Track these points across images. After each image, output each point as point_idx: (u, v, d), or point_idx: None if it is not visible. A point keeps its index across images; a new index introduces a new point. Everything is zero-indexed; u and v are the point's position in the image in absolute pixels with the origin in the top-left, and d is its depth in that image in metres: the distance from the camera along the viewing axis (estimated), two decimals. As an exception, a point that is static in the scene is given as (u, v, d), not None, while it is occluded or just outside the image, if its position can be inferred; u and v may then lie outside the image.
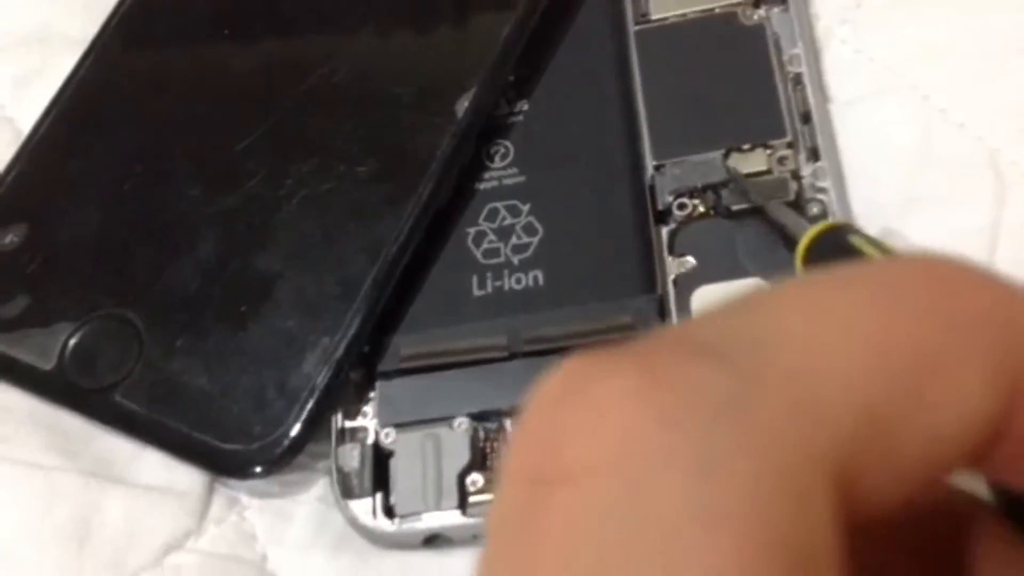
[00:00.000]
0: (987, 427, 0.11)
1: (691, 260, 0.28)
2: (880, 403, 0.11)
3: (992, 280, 0.12)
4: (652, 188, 0.28)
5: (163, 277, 0.29)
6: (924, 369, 0.11)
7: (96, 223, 0.30)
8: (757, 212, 0.27)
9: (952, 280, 0.12)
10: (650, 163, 0.29)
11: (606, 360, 0.11)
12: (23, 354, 0.29)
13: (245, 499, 0.28)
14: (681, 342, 0.12)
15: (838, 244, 0.25)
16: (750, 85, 0.29)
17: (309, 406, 0.27)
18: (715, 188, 0.28)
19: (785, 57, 0.29)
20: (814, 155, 0.28)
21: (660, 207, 0.28)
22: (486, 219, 0.29)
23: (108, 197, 0.31)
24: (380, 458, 0.27)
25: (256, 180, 0.30)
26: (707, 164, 0.28)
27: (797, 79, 0.29)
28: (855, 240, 0.24)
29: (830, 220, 0.26)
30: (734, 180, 0.28)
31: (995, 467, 0.12)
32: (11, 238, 0.31)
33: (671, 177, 0.28)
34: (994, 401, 0.11)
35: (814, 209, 0.27)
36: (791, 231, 0.26)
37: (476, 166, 0.30)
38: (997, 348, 0.11)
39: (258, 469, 0.27)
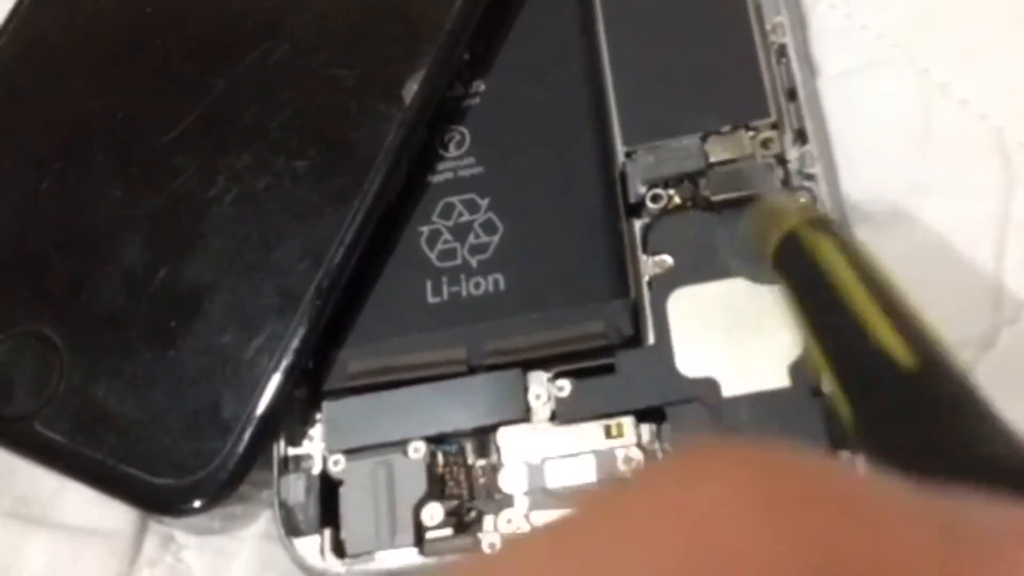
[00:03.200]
0: None
1: (668, 259, 0.25)
2: None
3: (799, 513, 0.10)
4: (623, 178, 0.26)
5: (85, 289, 0.26)
6: None
7: (10, 229, 0.27)
8: (741, 203, 0.24)
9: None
10: (620, 149, 0.26)
11: None
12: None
13: (181, 538, 0.25)
14: None
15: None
16: (729, 59, 0.26)
17: (248, 433, 0.24)
18: (693, 177, 0.25)
19: (768, 26, 0.26)
20: (801, 137, 0.25)
21: (632, 199, 0.25)
22: (440, 216, 0.26)
23: (23, 199, 0.28)
24: (328, 489, 0.24)
25: (185, 177, 0.27)
26: (684, 150, 0.25)
27: (781, 51, 0.26)
28: (815, 240, 0.19)
29: (812, 213, 0.21)
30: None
31: None
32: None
33: (644, 165, 0.26)
34: None
35: (802, 199, 0.25)
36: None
37: (428, 156, 0.27)
38: None
39: (194, 504, 0.24)
